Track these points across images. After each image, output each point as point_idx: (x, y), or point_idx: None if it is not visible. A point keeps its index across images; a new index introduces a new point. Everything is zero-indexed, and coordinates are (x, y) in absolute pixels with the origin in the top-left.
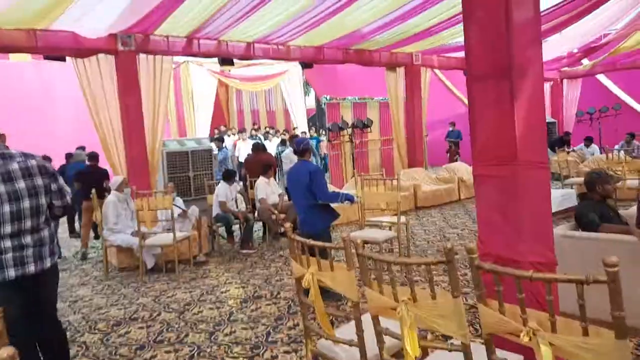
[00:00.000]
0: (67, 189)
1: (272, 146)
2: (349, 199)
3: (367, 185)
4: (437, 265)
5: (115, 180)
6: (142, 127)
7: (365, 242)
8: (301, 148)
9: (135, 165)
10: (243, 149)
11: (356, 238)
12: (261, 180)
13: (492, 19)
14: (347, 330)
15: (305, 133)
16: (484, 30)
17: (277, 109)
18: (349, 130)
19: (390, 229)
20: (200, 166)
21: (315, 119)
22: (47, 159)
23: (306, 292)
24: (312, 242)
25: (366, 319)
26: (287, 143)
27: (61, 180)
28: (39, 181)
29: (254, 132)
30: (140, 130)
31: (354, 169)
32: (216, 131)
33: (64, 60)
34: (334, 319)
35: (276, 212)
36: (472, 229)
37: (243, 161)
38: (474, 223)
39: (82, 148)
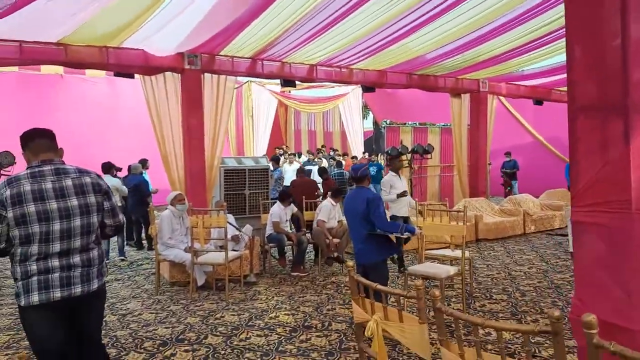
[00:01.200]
0: (117, 208)
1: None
2: (410, 230)
3: (428, 215)
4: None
5: (170, 195)
6: (203, 144)
7: (425, 277)
8: (359, 175)
9: (194, 181)
10: (290, 172)
11: (416, 273)
12: (328, 202)
13: (604, 38)
14: None
15: (367, 156)
16: (592, 53)
17: (334, 130)
18: (409, 155)
19: (451, 263)
20: (256, 185)
21: (372, 142)
22: (113, 168)
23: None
24: (379, 287)
25: None
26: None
27: (114, 199)
28: (92, 199)
29: (311, 157)
30: (201, 147)
31: (411, 195)
32: (277, 150)
33: (133, 77)
34: None
35: (330, 236)
36: (540, 267)
37: (289, 184)
38: (541, 261)
39: (144, 161)
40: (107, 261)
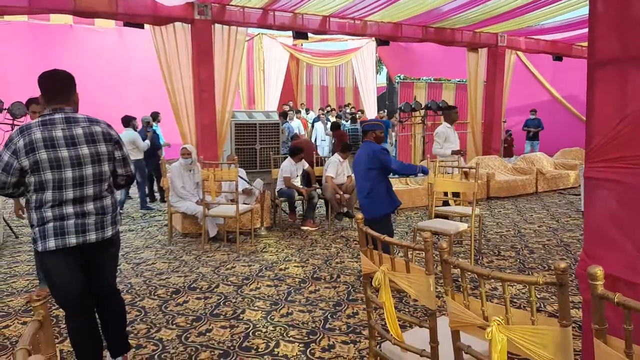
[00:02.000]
0: (129, 158)
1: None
2: (424, 171)
3: (440, 172)
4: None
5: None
6: (213, 97)
7: (435, 233)
8: (363, 128)
9: (205, 135)
10: (301, 127)
11: (425, 228)
12: (335, 158)
13: None
14: (416, 336)
15: (362, 113)
16: (616, 4)
17: (346, 86)
18: (422, 111)
19: (460, 220)
20: (267, 139)
21: (385, 98)
22: (134, 121)
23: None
24: (387, 238)
25: (441, 329)
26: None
27: (125, 149)
28: (102, 148)
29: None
30: (211, 100)
31: (423, 152)
32: (285, 107)
33: (142, 27)
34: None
35: (340, 192)
36: (550, 225)
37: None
38: (552, 219)
39: (156, 114)
40: (121, 211)
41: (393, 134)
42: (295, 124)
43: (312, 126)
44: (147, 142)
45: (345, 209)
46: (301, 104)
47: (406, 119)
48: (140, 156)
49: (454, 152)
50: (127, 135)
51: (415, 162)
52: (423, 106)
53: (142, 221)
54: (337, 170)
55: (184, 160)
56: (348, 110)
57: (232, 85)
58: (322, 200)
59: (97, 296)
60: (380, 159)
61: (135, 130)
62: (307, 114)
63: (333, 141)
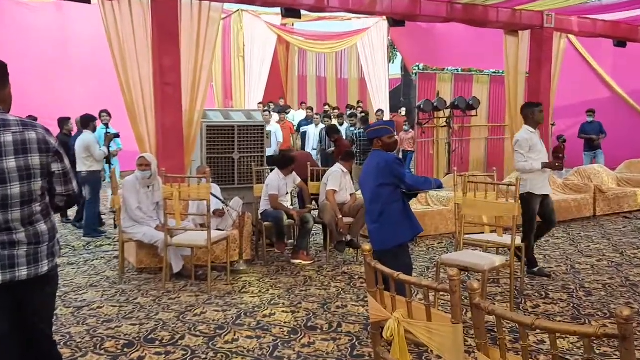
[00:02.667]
0: (72, 173)
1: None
2: (439, 185)
3: (469, 189)
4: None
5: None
6: (179, 91)
7: (464, 269)
8: (367, 135)
9: (168, 140)
10: (279, 133)
11: (451, 263)
12: (337, 168)
13: None
14: None
15: (381, 113)
16: None
17: (350, 77)
18: (447, 111)
19: (497, 253)
20: (248, 146)
21: (400, 94)
22: (90, 119)
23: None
24: (402, 276)
25: None
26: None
27: (67, 161)
28: (35, 160)
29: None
30: (177, 95)
31: (449, 163)
32: (271, 105)
33: (89, 1)
34: None
35: (340, 215)
36: (612, 260)
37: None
38: (615, 251)
39: (105, 113)
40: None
41: (406, 139)
42: (273, 129)
43: (298, 131)
44: (104, 149)
45: (348, 237)
46: (280, 99)
47: (426, 120)
48: (96, 167)
49: (546, 166)
50: (82, 140)
51: (438, 176)
52: (448, 104)
53: (86, 252)
54: (340, 184)
55: (141, 173)
56: (356, 112)
57: (203, 76)
58: (319, 226)
59: (26, 349)
60: (393, 171)
61: (93, 132)
62: (287, 113)
63: (328, 150)
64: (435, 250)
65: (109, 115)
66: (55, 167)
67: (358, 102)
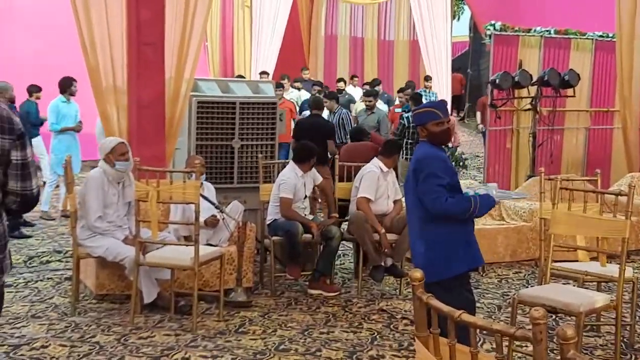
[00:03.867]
0: (34, 167)
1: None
2: (491, 204)
3: (561, 199)
4: None
5: (105, 143)
6: (162, 54)
7: (551, 310)
8: (412, 118)
9: (143, 121)
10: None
11: (534, 301)
12: (373, 167)
13: None
14: None
15: (425, 92)
16: None
17: (397, 38)
18: (532, 89)
19: (598, 288)
20: (254, 131)
21: (467, 63)
22: (69, 82)
23: None
24: (464, 316)
25: None
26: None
27: (29, 150)
28: None
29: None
30: (158, 59)
31: (533, 162)
32: (297, 84)
33: None
34: None
35: (380, 228)
36: None
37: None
38: None
39: (69, 82)
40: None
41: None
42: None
43: (300, 111)
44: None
45: (389, 261)
46: (303, 70)
47: (503, 101)
48: None
49: None
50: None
51: (518, 180)
52: (534, 79)
53: (27, 269)
54: (378, 188)
55: (122, 164)
56: (375, 88)
57: (195, 33)
58: (349, 243)
59: None
60: (419, 177)
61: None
62: (282, 88)
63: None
64: (510, 282)
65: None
66: (15, 155)
67: (352, 77)
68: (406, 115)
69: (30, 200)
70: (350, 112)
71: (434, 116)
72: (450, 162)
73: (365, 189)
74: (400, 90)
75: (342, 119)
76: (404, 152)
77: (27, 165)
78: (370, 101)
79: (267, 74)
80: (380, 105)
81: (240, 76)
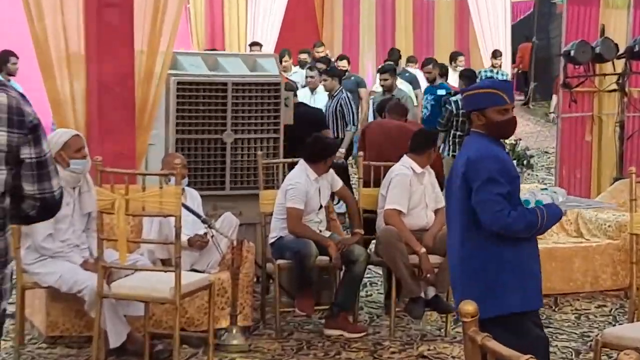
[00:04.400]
0: (53, 165)
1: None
2: (558, 216)
3: None
4: None
5: (54, 137)
6: (130, 18)
7: None
8: (466, 101)
9: (106, 106)
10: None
11: (623, 342)
12: (403, 167)
13: None
14: None
15: (492, 72)
16: None
17: (438, 1)
18: (619, 63)
19: None
20: (252, 120)
21: (533, 28)
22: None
23: None
24: None
25: None
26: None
27: (45, 146)
28: (1, 137)
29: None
30: (125, 25)
31: (620, 159)
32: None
33: None
34: None
35: (422, 249)
36: None
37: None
38: None
39: (5, 57)
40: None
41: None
42: (321, 98)
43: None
44: None
45: (431, 292)
46: (316, 45)
47: (581, 80)
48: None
49: None
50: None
51: (601, 183)
52: (623, 50)
53: None
54: (411, 196)
55: (77, 162)
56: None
57: None
58: (377, 269)
59: None
60: (474, 184)
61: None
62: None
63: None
64: (592, 319)
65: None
66: (27, 153)
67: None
68: (454, 98)
69: (51, 205)
70: (361, 97)
71: (498, 100)
72: (512, 163)
73: (395, 198)
74: (382, 71)
75: (341, 105)
76: (450, 147)
77: (43, 163)
78: (386, 79)
79: (259, 45)
80: (404, 85)
81: (255, 44)
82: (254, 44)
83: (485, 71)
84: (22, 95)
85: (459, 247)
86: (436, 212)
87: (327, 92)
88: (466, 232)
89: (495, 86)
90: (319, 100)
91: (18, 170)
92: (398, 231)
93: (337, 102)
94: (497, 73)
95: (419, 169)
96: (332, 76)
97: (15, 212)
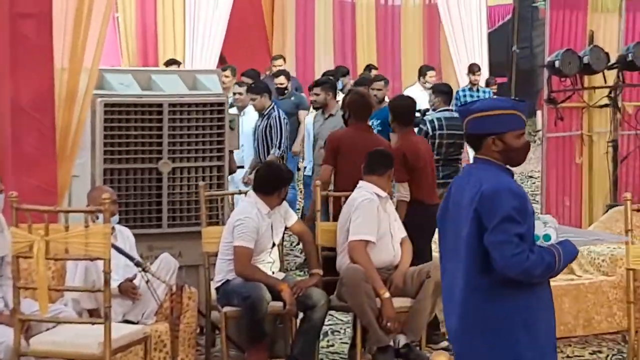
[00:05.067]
0: None
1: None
2: (573, 255)
3: None
4: None
5: None
6: (49, 30)
7: None
8: (466, 127)
9: (22, 133)
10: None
11: None
12: (366, 194)
13: None
14: None
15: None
16: None
17: (405, 3)
18: (610, 74)
19: None
20: (192, 146)
21: (510, 37)
22: None
23: None
24: None
25: None
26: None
27: None
28: None
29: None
30: (44, 38)
31: (614, 185)
32: (267, 71)
33: None
34: None
35: (386, 293)
36: None
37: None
38: None
39: None
40: None
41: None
42: (251, 118)
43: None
44: None
45: (402, 340)
46: (274, 60)
47: (568, 94)
48: None
49: None
50: None
51: (592, 211)
52: (614, 60)
53: None
54: (380, 225)
55: None
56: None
57: (98, 2)
58: (341, 315)
59: None
60: (487, 220)
61: None
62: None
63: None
64: None
65: None
66: None
67: (368, 67)
68: (429, 117)
69: None
70: (299, 121)
71: (519, 123)
72: (527, 197)
73: (361, 227)
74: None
75: (271, 126)
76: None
77: None
78: (317, 94)
79: (178, 63)
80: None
81: (172, 62)
82: (170, 62)
83: (464, 91)
84: None
85: (461, 295)
86: (401, 244)
87: (257, 112)
88: (473, 279)
89: (516, 107)
90: (247, 122)
91: None
92: (364, 270)
93: (267, 123)
94: (479, 91)
95: (383, 193)
96: (259, 93)
97: None
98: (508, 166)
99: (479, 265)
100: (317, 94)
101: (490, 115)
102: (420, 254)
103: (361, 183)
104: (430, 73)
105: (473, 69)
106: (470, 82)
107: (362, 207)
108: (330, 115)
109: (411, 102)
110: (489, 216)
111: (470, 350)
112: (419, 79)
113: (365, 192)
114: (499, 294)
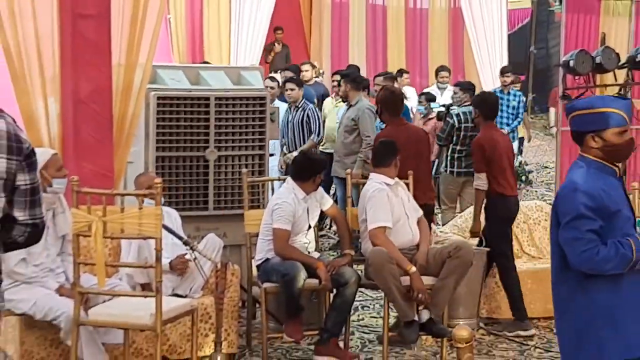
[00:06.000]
0: (41, 192)
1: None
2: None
3: None
4: None
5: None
6: (107, 30)
7: None
8: (572, 123)
9: (82, 123)
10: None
11: None
12: (375, 184)
13: None
14: None
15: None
16: None
17: (432, 7)
18: (621, 74)
19: None
20: (236, 136)
21: (528, 38)
22: None
23: None
24: None
25: None
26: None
27: (37, 172)
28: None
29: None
30: (102, 38)
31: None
32: (305, 69)
33: None
34: None
35: (412, 268)
36: None
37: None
38: None
39: None
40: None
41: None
42: (283, 108)
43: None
44: None
45: (425, 315)
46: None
47: (581, 91)
48: None
49: None
50: None
51: None
52: (624, 60)
53: None
54: (394, 210)
55: (60, 183)
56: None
57: (152, 4)
58: (370, 291)
59: None
60: (559, 220)
61: None
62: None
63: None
64: None
65: None
66: (22, 179)
67: (399, 71)
68: (455, 111)
69: (40, 231)
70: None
71: (620, 120)
72: (614, 196)
73: (377, 215)
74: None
75: (309, 116)
76: (449, 162)
77: (36, 189)
78: (292, 89)
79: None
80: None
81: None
82: (203, 64)
83: (494, 92)
84: (15, 123)
85: (552, 288)
86: (418, 222)
87: (290, 103)
88: (560, 272)
89: (619, 106)
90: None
91: (10, 197)
92: (388, 251)
93: (304, 114)
94: (509, 94)
95: (391, 181)
96: (300, 85)
97: (5, 238)
98: (612, 163)
99: (564, 262)
100: (292, 89)
101: (590, 112)
102: (496, 244)
103: (371, 175)
104: (442, 73)
105: (503, 70)
106: (502, 83)
107: (373, 197)
108: (350, 105)
109: (495, 98)
110: (562, 214)
111: (563, 340)
112: (435, 78)
113: (375, 182)
114: (582, 288)
